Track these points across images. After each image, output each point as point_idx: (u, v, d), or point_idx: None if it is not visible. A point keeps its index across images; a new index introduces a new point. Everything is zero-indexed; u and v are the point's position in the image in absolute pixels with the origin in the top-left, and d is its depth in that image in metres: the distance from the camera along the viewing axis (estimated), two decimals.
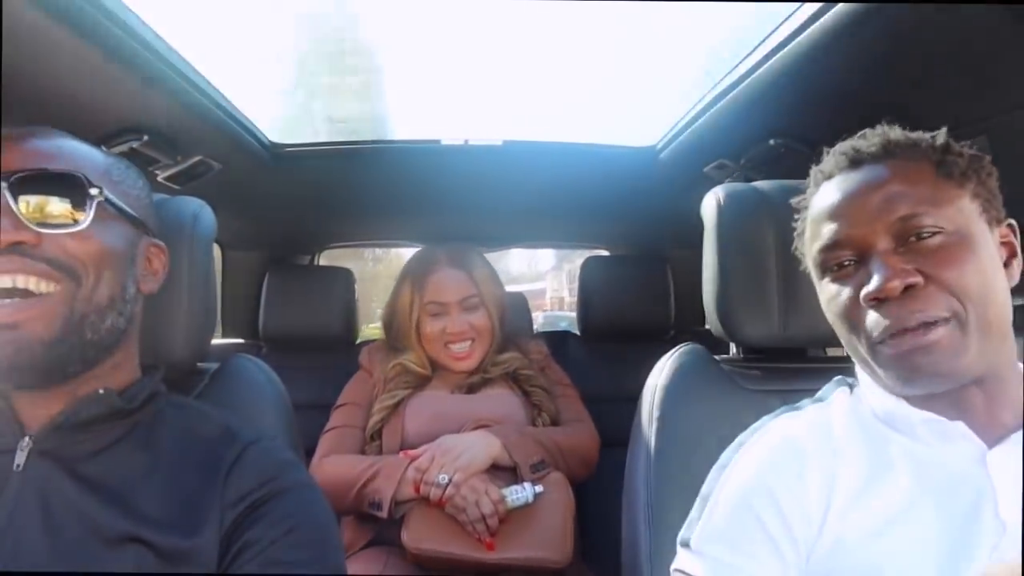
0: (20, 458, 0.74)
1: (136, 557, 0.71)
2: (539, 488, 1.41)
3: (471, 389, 1.64)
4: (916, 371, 0.70)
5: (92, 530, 0.71)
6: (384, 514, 1.40)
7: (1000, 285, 0.72)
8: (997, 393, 0.73)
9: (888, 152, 0.76)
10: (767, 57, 1.10)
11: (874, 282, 0.70)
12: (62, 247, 0.72)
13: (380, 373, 1.68)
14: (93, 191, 0.74)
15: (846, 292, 0.74)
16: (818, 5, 0.94)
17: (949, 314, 0.69)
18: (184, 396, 0.88)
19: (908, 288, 0.70)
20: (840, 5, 0.91)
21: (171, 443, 0.79)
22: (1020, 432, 0.72)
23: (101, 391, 0.76)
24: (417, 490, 1.39)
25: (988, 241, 0.73)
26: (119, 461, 0.76)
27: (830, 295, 0.76)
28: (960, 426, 0.72)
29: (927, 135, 0.77)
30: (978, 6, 0.82)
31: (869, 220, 0.73)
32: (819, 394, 0.84)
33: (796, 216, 0.86)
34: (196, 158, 1.44)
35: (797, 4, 0.98)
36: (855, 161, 0.77)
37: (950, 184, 0.73)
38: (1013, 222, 0.76)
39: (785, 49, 1.04)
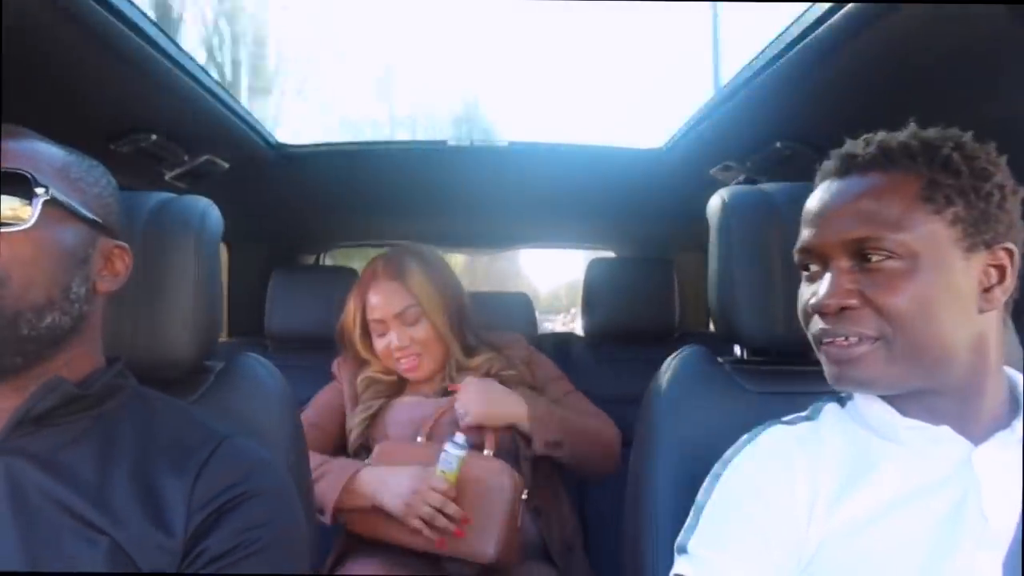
0: None
1: (110, 546, 0.71)
2: (459, 438, 1.37)
3: (448, 392, 1.57)
4: (841, 376, 0.76)
5: (68, 515, 0.71)
6: (328, 520, 1.38)
7: (950, 312, 0.72)
8: (972, 402, 0.75)
9: (878, 163, 0.76)
10: (774, 59, 1.09)
11: (816, 296, 0.76)
12: None
13: (349, 387, 1.64)
14: (39, 190, 0.73)
15: (804, 293, 0.80)
16: (825, 6, 0.93)
17: (876, 335, 0.73)
18: (149, 388, 0.86)
19: (843, 308, 0.74)
20: (848, 6, 0.90)
21: (139, 437, 0.78)
22: (1005, 431, 0.74)
23: (53, 380, 0.75)
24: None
25: (953, 268, 0.72)
26: (87, 454, 0.75)
27: (800, 290, 0.82)
28: (945, 430, 0.74)
29: (944, 139, 0.75)
30: (987, 7, 0.82)
31: (832, 235, 0.76)
32: (808, 412, 0.86)
33: None
34: (203, 157, 1.45)
35: (804, 5, 0.98)
36: (842, 169, 0.78)
37: (926, 207, 0.73)
38: (1011, 246, 0.74)
39: (791, 51, 1.04)
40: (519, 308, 2.28)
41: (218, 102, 1.29)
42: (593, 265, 2.27)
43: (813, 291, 0.78)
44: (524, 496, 1.41)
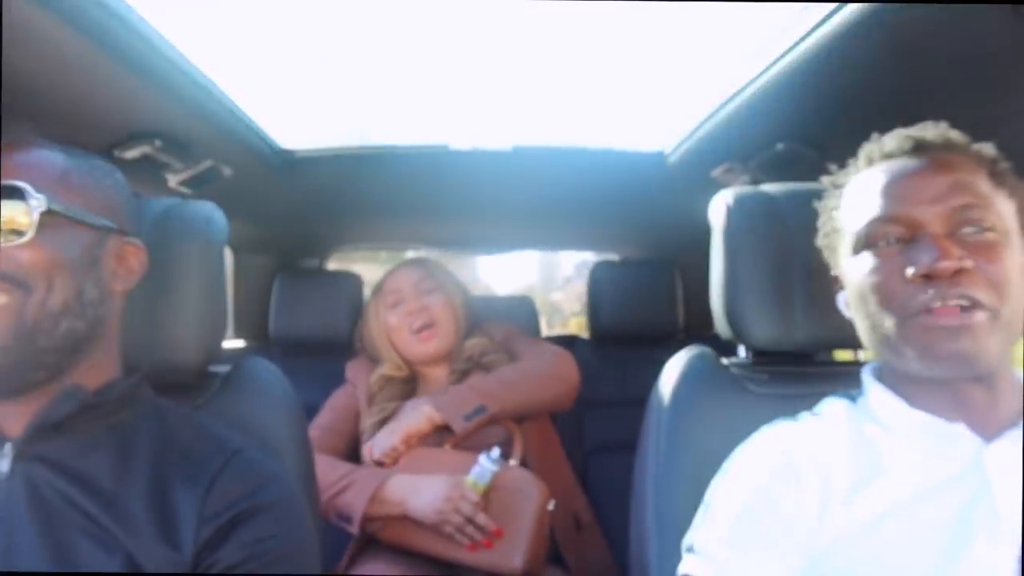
0: (4, 464, 0.75)
1: (125, 554, 0.72)
2: (494, 453, 1.38)
3: None
4: (942, 349, 0.72)
5: (87, 520, 0.73)
6: (355, 529, 1.40)
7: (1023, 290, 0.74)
8: (997, 392, 0.75)
9: (950, 146, 0.78)
10: (776, 61, 1.09)
11: (927, 259, 0.71)
12: (10, 258, 0.73)
13: (364, 387, 1.68)
14: (34, 202, 0.74)
15: (887, 265, 0.75)
16: (827, 7, 0.94)
17: (987, 303, 0.71)
18: (168, 400, 0.87)
19: (959, 271, 0.71)
20: (849, 7, 0.90)
21: (154, 449, 0.79)
22: (1018, 428, 0.74)
23: (70, 387, 0.77)
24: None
25: (1020, 246, 0.76)
26: (104, 462, 0.77)
27: (867, 268, 0.77)
28: (959, 427, 0.74)
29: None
30: (991, 8, 0.82)
31: (930, 202, 0.74)
32: (816, 408, 0.86)
33: (826, 198, 0.88)
34: (207, 163, 1.45)
35: (805, 5, 0.98)
36: (920, 147, 0.79)
37: (1000, 189, 0.77)
38: None
39: (793, 52, 1.04)
40: (522, 311, 2.29)
41: (222, 108, 1.29)
42: (597, 268, 2.27)
43: (903, 260, 0.74)
44: (551, 507, 1.42)
